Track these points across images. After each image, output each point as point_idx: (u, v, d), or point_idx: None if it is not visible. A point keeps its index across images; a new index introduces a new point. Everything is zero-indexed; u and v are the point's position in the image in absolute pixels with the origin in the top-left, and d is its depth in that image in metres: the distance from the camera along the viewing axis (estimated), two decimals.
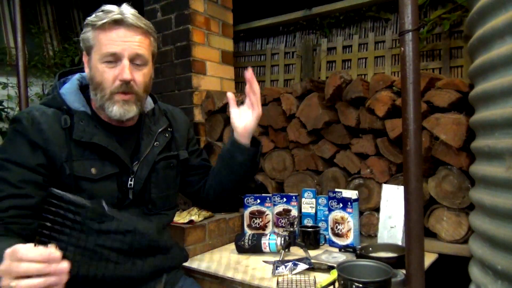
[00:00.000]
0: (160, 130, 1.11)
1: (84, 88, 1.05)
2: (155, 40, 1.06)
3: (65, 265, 0.66)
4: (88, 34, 0.97)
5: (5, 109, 3.06)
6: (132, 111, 0.99)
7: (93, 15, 0.96)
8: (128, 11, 0.97)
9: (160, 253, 1.07)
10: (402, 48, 0.87)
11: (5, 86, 3.06)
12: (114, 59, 0.95)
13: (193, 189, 1.27)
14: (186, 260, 1.22)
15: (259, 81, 2.99)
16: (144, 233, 1.00)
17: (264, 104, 1.95)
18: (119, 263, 0.96)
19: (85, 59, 1.01)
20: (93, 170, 0.96)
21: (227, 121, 2.11)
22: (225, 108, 2.10)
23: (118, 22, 0.94)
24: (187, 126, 1.24)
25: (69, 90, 1.03)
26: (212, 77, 2.26)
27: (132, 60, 0.96)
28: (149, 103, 1.14)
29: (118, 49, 0.94)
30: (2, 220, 0.85)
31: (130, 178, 1.02)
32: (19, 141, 0.92)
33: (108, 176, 0.99)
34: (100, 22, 0.94)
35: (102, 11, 0.96)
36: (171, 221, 1.20)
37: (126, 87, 0.97)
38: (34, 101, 3.18)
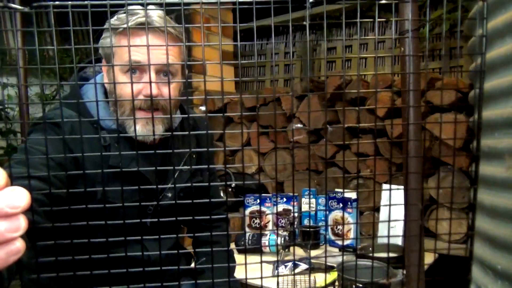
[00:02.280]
0: (189, 153, 0.98)
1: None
2: (183, 48, 0.91)
3: (22, 198, 0.32)
4: (108, 39, 0.82)
5: (5, 109, 3.06)
6: (157, 131, 0.86)
7: (115, 17, 0.82)
8: (155, 13, 0.82)
9: (169, 271, 1.03)
10: (402, 48, 0.87)
11: (5, 86, 3.06)
12: (139, 69, 0.81)
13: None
14: (191, 263, 1.19)
15: (259, 81, 2.99)
16: (157, 261, 0.94)
17: (264, 104, 1.95)
18: None
19: (104, 68, 0.88)
20: (119, 195, 0.85)
21: (227, 121, 2.11)
22: (225, 108, 2.10)
23: (143, 26, 0.79)
24: (210, 147, 1.12)
25: (99, 101, 0.89)
26: (212, 77, 2.26)
27: (158, 71, 0.83)
28: (177, 117, 0.99)
29: (142, 58, 0.79)
30: None
31: (151, 204, 0.92)
32: (56, 143, 0.79)
33: (132, 203, 0.88)
34: (122, 26, 0.80)
35: (124, 12, 0.81)
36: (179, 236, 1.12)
37: (151, 103, 0.84)
38: (34, 101, 3.18)
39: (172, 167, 0.93)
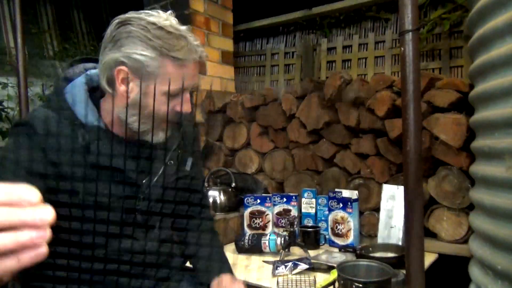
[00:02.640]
0: (174, 146, 1.02)
1: (90, 92, 0.94)
2: None
3: (49, 214, 0.38)
4: (150, 59, 0.83)
5: (5, 109, 3.06)
6: (169, 133, 0.95)
7: (155, 36, 0.82)
8: (197, 42, 0.88)
9: (163, 264, 1.05)
10: (402, 48, 0.87)
11: (5, 86, 3.06)
12: (180, 92, 0.88)
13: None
14: (188, 259, 1.21)
15: (259, 81, 2.99)
16: (150, 253, 0.97)
17: (264, 104, 1.96)
18: (122, 281, 0.95)
19: (124, 76, 0.85)
20: (104, 193, 0.88)
21: (227, 121, 2.12)
22: (225, 108, 2.10)
23: (200, 59, 0.88)
24: (197, 143, 1.15)
25: (79, 99, 0.91)
26: (212, 77, 2.26)
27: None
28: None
29: (187, 85, 0.88)
30: None
31: (138, 199, 0.95)
32: (33, 148, 0.83)
33: (118, 199, 0.92)
34: (180, 56, 0.84)
35: (165, 30, 0.83)
36: (171, 231, 1.14)
37: (179, 117, 0.92)
38: (34, 101, 3.18)
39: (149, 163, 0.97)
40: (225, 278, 1.05)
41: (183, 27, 0.88)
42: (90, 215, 0.87)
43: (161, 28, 0.83)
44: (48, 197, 0.79)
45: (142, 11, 0.86)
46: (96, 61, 0.94)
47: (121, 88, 0.86)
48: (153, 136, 0.90)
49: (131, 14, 0.85)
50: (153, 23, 0.82)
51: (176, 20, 0.88)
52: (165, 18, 0.85)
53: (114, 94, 0.88)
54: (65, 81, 0.95)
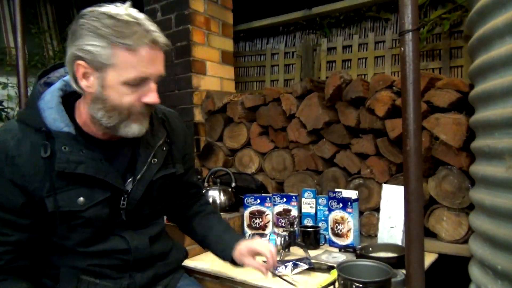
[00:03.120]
0: (159, 144, 1.01)
1: (66, 97, 0.93)
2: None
3: None
4: (101, 49, 0.80)
5: (5, 109, 3.06)
6: (146, 126, 0.92)
7: (104, 25, 0.79)
8: (153, 27, 0.84)
9: (158, 261, 1.06)
10: (402, 48, 0.87)
11: (5, 86, 3.06)
12: (143, 81, 0.85)
13: (173, 208, 1.20)
14: (185, 258, 1.21)
15: (259, 81, 2.99)
16: (139, 249, 0.98)
17: (264, 104, 1.95)
18: (117, 278, 0.97)
19: (83, 71, 0.83)
20: (80, 200, 0.88)
21: (227, 121, 2.11)
22: (225, 108, 2.10)
23: (154, 44, 0.84)
24: (185, 137, 1.14)
25: (50, 104, 0.89)
26: (212, 77, 2.26)
27: (156, 81, 0.88)
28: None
29: (148, 73, 0.84)
30: None
31: (123, 198, 0.95)
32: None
33: (98, 202, 0.91)
34: (130, 42, 0.80)
35: (115, 18, 0.80)
36: (164, 226, 1.14)
37: (150, 109, 0.90)
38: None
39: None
40: (242, 244, 1.10)
41: (140, 15, 0.84)
42: (70, 223, 0.88)
43: (111, 17, 0.80)
44: (25, 224, 0.87)
45: (102, 4, 0.84)
46: None
47: (83, 83, 0.84)
48: (126, 130, 0.88)
49: (90, 8, 0.83)
50: (104, 13, 0.80)
51: (135, 10, 0.85)
52: (120, 8, 0.83)
53: (81, 91, 0.87)
54: (45, 86, 0.94)
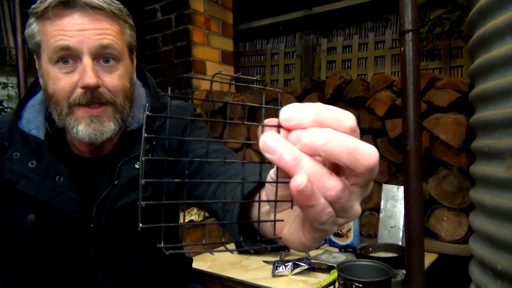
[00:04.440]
0: (127, 159, 0.76)
1: None
2: (131, 28, 0.75)
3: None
4: (32, 27, 0.68)
5: (5, 109, 3.06)
6: (107, 129, 0.69)
7: (34, 2, 0.66)
8: None
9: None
10: (402, 48, 0.87)
11: (5, 86, 3.06)
12: (71, 58, 0.66)
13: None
14: (191, 275, 1.02)
15: (259, 81, 2.99)
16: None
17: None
18: None
19: (36, 63, 0.72)
20: (30, 217, 0.72)
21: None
22: (225, 108, 2.10)
23: (68, 4, 0.64)
24: (181, 130, 0.84)
25: (33, 102, 0.78)
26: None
27: (96, 56, 0.67)
28: (141, 114, 0.79)
29: (72, 42, 0.64)
30: None
31: (90, 229, 0.75)
32: None
33: (50, 226, 0.73)
34: (42, 7, 0.64)
35: None
36: (159, 254, 0.84)
37: (92, 96, 0.67)
38: None
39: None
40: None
41: None
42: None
43: None
44: None
45: None
46: None
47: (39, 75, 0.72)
48: (73, 130, 0.69)
49: None
50: None
51: None
52: None
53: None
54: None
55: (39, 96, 0.78)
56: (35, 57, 0.71)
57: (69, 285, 0.78)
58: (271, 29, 2.95)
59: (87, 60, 0.66)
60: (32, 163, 0.72)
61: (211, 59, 2.26)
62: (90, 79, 0.65)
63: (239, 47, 3.07)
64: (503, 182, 0.88)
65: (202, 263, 1.43)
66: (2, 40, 3.16)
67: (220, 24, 2.32)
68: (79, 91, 0.67)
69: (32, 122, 0.75)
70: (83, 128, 0.68)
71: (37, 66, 0.72)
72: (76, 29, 0.65)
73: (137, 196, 0.76)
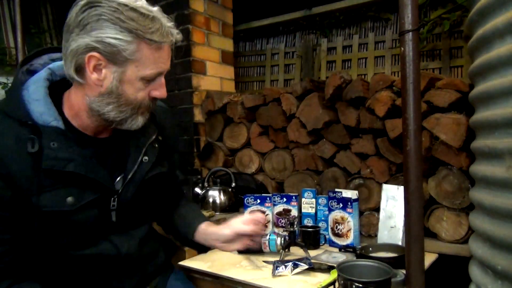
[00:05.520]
0: (150, 141, 0.97)
1: (52, 87, 0.87)
2: None
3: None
4: (125, 43, 0.78)
5: None
6: (147, 118, 0.92)
7: (129, 18, 0.77)
8: (171, 22, 0.87)
9: (147, 263, 1.02)
10: (402, 48, 0.87)
11: (5, 86, 3.06)
12: (156, 77, 0.86)
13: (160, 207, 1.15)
14: (175, 253, 1.18)
15: (259, 81, 3.00)
16: (129, 254, 0.94)
17: (264, 104, 1.95)
18: (105, 285, 0.93)
19: (95, 63, 0.79)
20: (69, 200, 0.82)
21: (227, 121, 2.11)
22: (225, 108, 2.10)
23: (173, 42, 0.87)
24: (174, 133, 1.13)
25: (36, 96, 0.83)
26: (212, 77, 2.26)
27: None
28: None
29: (165, 69, 0.87)
30: None
31: (113, 199, 0.90)
32: None
33: (88, 203, 0.85)
34: (157, 39, 0.80)
35: (138, 11, 0.78)
36: (151, 224, 1.09)
37: (155, 102, 0.90)
38: None
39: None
40: (206, 224, 1.11)
41: (155, 8, 0.84)
42: (58, 223, 0.82)
43: (133, 9, 0.78)
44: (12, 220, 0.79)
45: None
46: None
47: (93, 76, 0.80)
48: (132, 123, 0.87)
49: None
50: (125, 4, 0.77)
51: (145, 0, 0.84)
52: None
53: (84, 83, 0.82)
54: (27, 74, 0.88)
55: (39, 90, 0.84)
56: (101, 58, 0.79)
57: (91, 256, 0.89)
58: (271, 29, 2.95)
59: (163, 80, 0.88)
60: (72, 148, 0.83)
61: (211, 59, 2.26)
62: (165, 93, 0.89)
63: (239, 47, 3.07)
64: (503, 182, 0.88)
65: (202, 263, 1.43)
66: (2, 40, 3.16)
67: (220, 24, 2.32)
68: (150, 99, 0.88)
69: (47, 114, 0.82)
70: (141, 119, 0.88)
71: (95, 68, 0.80)
72: (168, 59, 0.87)
73: (159, 171, 0.98)
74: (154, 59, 0.82)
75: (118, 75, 0.81)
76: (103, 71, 0.80)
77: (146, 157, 0.95)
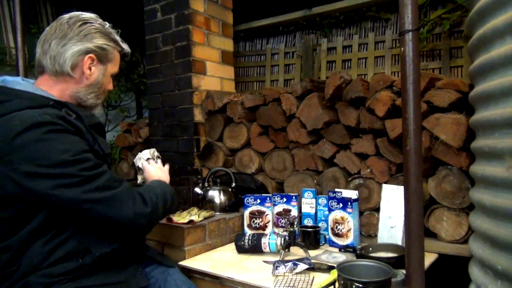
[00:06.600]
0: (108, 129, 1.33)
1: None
2: None
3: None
4: (111, 48, 1.11)
5: None
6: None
7: (110, 32, 1.11)
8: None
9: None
10: (402, 48, 0.87)
11: None
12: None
13: None
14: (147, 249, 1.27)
15: (259, 81, 3.00)
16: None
17: (264, 104, 1.96)
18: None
19: (90, 62, 1.07)
20: (106, 144, 1.10)
21: (227, 121, 2.12)
22: (225, 108, 2.10)
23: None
24: None
25: (30, 88, 1.02)
26: (212, 77, 2.26)
27: None
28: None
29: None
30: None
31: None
32: (67, 137, 0.94)
33: (107, 154, 1.10)
34: (124, 50, 1.17)
35: (110, 28, 1.13)
36: None
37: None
38: None
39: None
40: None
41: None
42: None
43: (109, 26, 1.13)
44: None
45: (78, 12, 1.12)
46: None
47: (87, 71, 1.07)
48: (98, 108, 1.15)
49: (84, 15, 1.09)
50: (104, 24, 1.12)
51: None
52: (100, 19, 1.13)
53: (74, 77, 1.06)
54: None
55: (29, 83, 1.06)
56: (93, 57, 1.07)
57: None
58: (271, 29, 2.95)
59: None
60: (94, 138, 1.05)
61: (211, 59, 2.26)
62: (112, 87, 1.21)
63: (239, 47, 3.07)
64: (503, 182, 0.88)
65: (202, 263, 1.43)
66: (2, 40, 3.16)
67: (220, 24, 2.32)
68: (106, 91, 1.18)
69: (52, 96, 1.03)
70: (100, 108, 1.18)
71: (87, 65, 1.07)
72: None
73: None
74: (117, 61, 1.16)
75: (103, 71, 1.11)
76: (93, 68, 1.08)
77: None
